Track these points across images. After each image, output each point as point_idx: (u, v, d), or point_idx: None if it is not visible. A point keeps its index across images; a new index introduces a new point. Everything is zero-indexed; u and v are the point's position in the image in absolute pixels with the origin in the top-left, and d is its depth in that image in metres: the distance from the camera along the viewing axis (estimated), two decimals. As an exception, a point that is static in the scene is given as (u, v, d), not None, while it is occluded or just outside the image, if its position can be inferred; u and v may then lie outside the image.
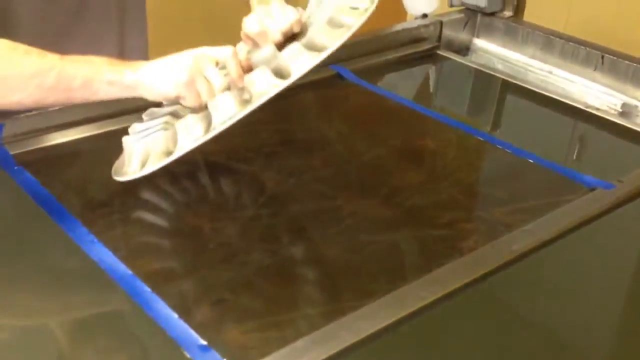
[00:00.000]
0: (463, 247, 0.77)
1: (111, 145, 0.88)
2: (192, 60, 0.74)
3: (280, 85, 0.70)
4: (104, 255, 0.72)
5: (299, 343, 0.61)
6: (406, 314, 0.66)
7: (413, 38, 1.33)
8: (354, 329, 0.63)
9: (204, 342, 0.62)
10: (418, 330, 0.66)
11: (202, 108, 0.76)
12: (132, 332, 0.65)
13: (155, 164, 0.73)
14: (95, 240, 0.74)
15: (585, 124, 1.12)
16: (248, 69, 0.78)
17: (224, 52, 0.76)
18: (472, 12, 1.41)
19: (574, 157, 1.05)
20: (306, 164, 0.93)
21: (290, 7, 0.83)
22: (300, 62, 0.71)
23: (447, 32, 1.38)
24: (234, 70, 0.75)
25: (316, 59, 0.70)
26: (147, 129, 0.81)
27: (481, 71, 1.28)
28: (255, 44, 0.82)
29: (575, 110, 1.13)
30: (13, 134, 0.91)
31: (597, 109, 1.14)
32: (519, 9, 1.42)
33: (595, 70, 1.24)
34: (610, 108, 1.21)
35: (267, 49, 0.76)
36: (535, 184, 0.92)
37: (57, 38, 0.94)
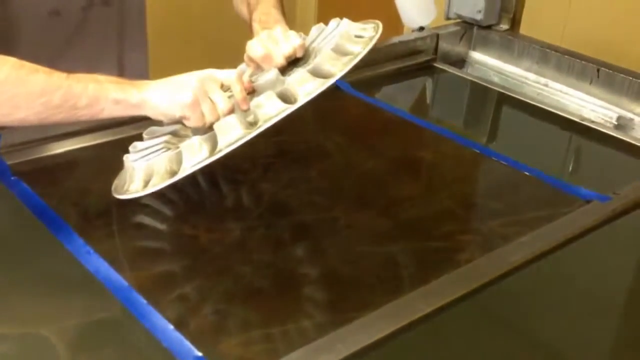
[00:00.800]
0: (459, 259, 0.77)
1: (108, 156, 0.88)
2: (197, 82, 0.75)
3: (287, 110, 0.71)
4: (100, 266, 0.72)
5: (295, 355, 0.61)
6: (403, 325, 0.66)
7: (410, 51, 1.34)
8: (351, 340, 0.63)
9: (200, 354, 0.62)
10: (415, 342, 0.66)
11: (204, 129, 0.76)
12: (128, 343, 0.65)
13: (159, 184, 0.74)
14: (92, 251, 0.74)
15: (581, 137, 1.13)
16: (250, 91, 0.79)
17: (229, 74, 0.77)
18: (468, 25, 1.42)
19: (570, 169, 1.05)
20: (303, 175, 0.93)
21: (293, 32, 0.84)
22: (306, 87, 0.72)
23: (444, 45, 1.39)
24: (238, 93, 0.76)
25: (322, 85, 0.72)
26: (149, 147, 0.81)
27: (477, 84, 1.29)
28: (258, 67, 0.83)
29: (571, 123, 1.14)
30: (9, 144, 0.91)
31: (593, 122, 1.14)
32: (515, 22, 1.42)
33: (591, 83, 1.25)
34: (606, 121, 1.21)
35: (271, 73, 0.77)
36: (531, 196, 0.93)
37: (58, 51, 0.95)
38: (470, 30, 1.42)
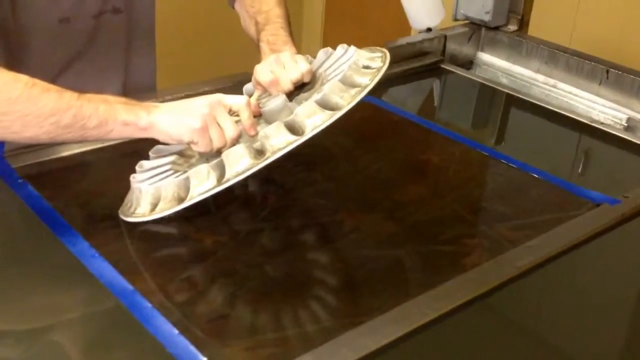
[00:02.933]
0: (466, 263, 0.76)
1: (114, 159, 0.88)
2: (206, 107, 0.76)
3: (295, 142, 0.72)
4: (105, 270, 0.72)
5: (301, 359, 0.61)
6: (409, 330, 0.65)
7: (417, 52, 1.33)
8: (356, 345, 0.62)
9: (205, 359, 0.61)
10: (421, 347, 0.66)
11: (211, 153, 0.77)
12: (132, 348, 0.65)
13: (166, 209, 0.74)
14: (97, 254, 0.74)
15: (590, 139, 1.12)
16: (257, 114, 0.80)
17: (237, 100, 0.78)
18: (476, 26, 1.41)
19: (579, 172, 1.04)
20: (308, 177, 0.93)
21: (301, 57, 0.85)
22: (314, 120, 0.72)
23: (451, 46, 1.38)
24: (246, 119, 0.77)
25: (330, 118, 0.72)
26: (155, 167, 0.82)
27: (485, 85, 1.28)
28: (266, 90, 0.84)
29: (580, 124, 1.13)
30: (15, 147, 0.91)
31: (602, 124, 1.13)
32: (523, 23, 1.42)
33: (600, 84, 1.24)
34: (616, 122, 1.20)
35: (279, 100, 0.78)
36: (540, 199, 0.92)
37: (68, 58, 0.96)
38: (478, 31, 1.41)
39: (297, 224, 0.83)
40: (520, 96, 1.23)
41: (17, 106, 0.72)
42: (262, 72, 0.84)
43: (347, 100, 0.73)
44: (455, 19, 1.43)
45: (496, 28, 1.40)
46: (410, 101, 1.26)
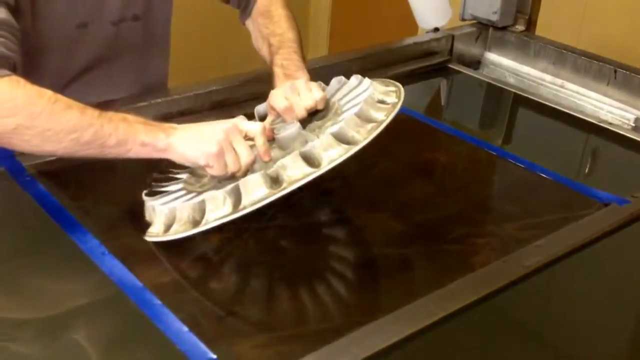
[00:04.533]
0: (474, 263, 0.76)
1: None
2: (223, 133, 0.77)
3: (311, 175, 0.73)
4: (115, 267, 0.72)
5: (310, 357, 0.61)
6: (417, 329, 0.65)
7: (424, 52, 1.33)
8: (365, 344, 0.63)
9: (214, 356, 0.62)
10: (429, 346, 0.66)
11: (225, 176, 0.79)
12: (141, 345, 0.65)
13: (181, 232, 0.76)
14: (106, 251, 0.74)
15: (598, 139, 1.11)
16: (270, 138, 0.82)
17: (253, 127, 0.79)
18: (483, 26, 1.41)
19: (587, 171, 1.04)
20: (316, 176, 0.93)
21: (315, 85, 0.87)
22: (331, 154, 0.74)
23: (459, 46, 1.38)
24: (261, 146, 0.78)
25: (346, 153, 0.74)
26: (167, 183, 0.83)
27: (493, 85, 1.28)
28: (279, 115, 0.86)
29: (588, 124, 1.13)
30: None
31: (610, 124, 1.13)
32: (531, 23, 1.41)
33: (608, 84, 1.23)
34: (624, 122, 1.20)
35: (293, 128, 0.80)
36: (548, 198, 0.92)
37: (85, 63, 0.96)
38: (486, 31, 1.41)
39: (304, 222, 0.83)
40: (528, 96, 1.23)
41: (38, 121, 0.73)
42: (277, 98, 0.86)
43: (363, 136, 0.75)
44: (463, 19, 1.43)
45: (504, 28, 1.40)
46: (418, 101, 1.26)
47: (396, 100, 0.80)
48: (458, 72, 1.32)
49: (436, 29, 1.37)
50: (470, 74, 1.32)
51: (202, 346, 0.62)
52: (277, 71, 0.93)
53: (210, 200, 0.74)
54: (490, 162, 1.02)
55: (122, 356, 0.64)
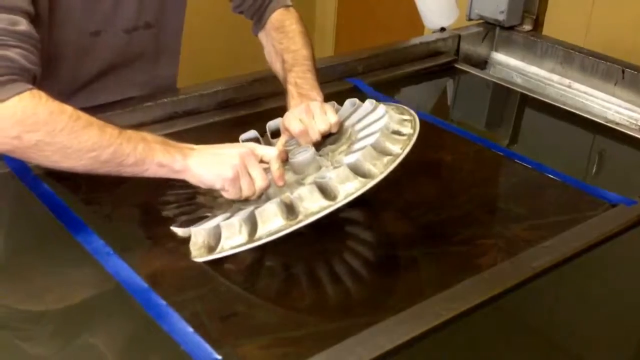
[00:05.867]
0: (481, 264, 0.76)
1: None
2: (239, 157, 0.78)
3: (328, 208, 0.73)
4: (120, 268, 0.72)
5: (315, 359, 0.61)
6: (424, 330, 0.65)
7: (431, 51, 1.33)
8: (371, 345, 0.62)
9: (219, 357, 0.61)
10: (436, 347, 0.65)
11: (240, 199, 0.79)
12: (146, 345, 0.65)
13: (196, 257, 0.76)
14: (112, 251, 0.74)
15: (606, 139, 1.11)
16: (284, 159, 0.83)
17: (268, 152, 0.80)
18: (490, 25, 1.40)
19: (594, 172, 1.03)
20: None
21: (330, 108, 0.88)
22: (347, 187, 0.74)
23: (465, 46, 1.37)
24: (276, 171, 0.79)
25: (363, 187, 0.74)
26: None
27: (499, 85, 1.28)
28: (292, 136, 0.87)
29: (595, 124, 1.12)
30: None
31: (618, 124, 1.13)
32: (538, 23, 1.41)
33: (615, 84, 1.23)
34: (631, 123, 1.19)
35: (307, 154, 0.81)
36: (555, 199, 0.91)
37: (97, 72, 0.97)
38: (493, 31, 1.40)
39: (309, 223, 0.83)
40: (535, 96, 1.23)
41: (59, 138, 0.74)
42: (292, 121, 0.86)
43: (379, 169, 0.76)
44: (470, 19, 1.43)
45: (511, 28, 1.39)
46: (424, 100, 1.25)
47: (412, 131, 0.81)
48: (465, 72, 1.31)
49: (443, 29, 1.36)
50: (477, 74, 1.31)
51: (207, 347, 0.62)
52: (291, 89, 0.93)
53: (226, 227, 0.75)
54: (497, 163, 1.02)
55: (125, 357, 0.64)
